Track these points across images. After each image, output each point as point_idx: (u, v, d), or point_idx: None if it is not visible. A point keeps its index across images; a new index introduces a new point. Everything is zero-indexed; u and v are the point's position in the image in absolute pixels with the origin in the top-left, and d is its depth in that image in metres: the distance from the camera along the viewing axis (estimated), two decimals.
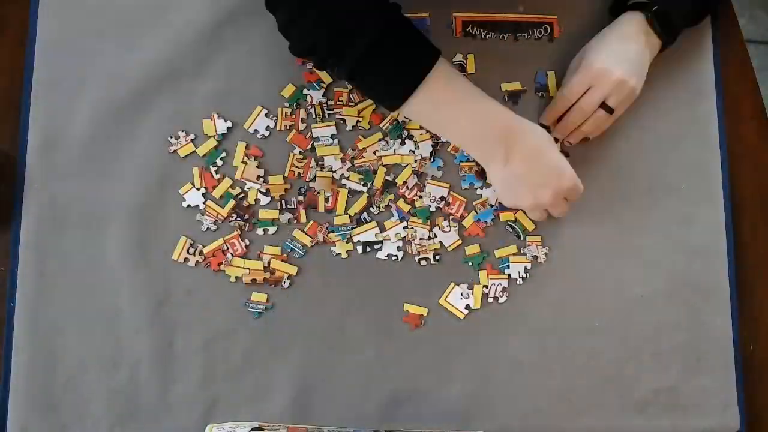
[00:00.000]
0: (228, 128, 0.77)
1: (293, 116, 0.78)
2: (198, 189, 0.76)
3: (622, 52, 0.73)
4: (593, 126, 0.75)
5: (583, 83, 0.74)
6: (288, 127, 0.78)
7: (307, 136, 0.77)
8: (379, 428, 0.72)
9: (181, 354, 0.73)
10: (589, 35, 0.77)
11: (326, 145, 0.77)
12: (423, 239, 0.76)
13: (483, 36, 0.81)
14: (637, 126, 0.80)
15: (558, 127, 0.77)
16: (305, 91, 0.78)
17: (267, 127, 0.77)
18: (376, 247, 0.76)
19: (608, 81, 0.72)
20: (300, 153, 0.77)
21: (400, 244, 0.76)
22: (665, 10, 0.73)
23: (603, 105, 0.74)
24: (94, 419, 0.72)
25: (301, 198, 0.76)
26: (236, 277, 0.74)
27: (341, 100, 0.78)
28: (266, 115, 0.77)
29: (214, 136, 0.77)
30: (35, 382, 0.72)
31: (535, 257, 0.77)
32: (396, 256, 0.76)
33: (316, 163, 0.77)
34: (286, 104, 0.78)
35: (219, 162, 0.76)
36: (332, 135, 0.77)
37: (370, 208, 0.77)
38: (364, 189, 0.77)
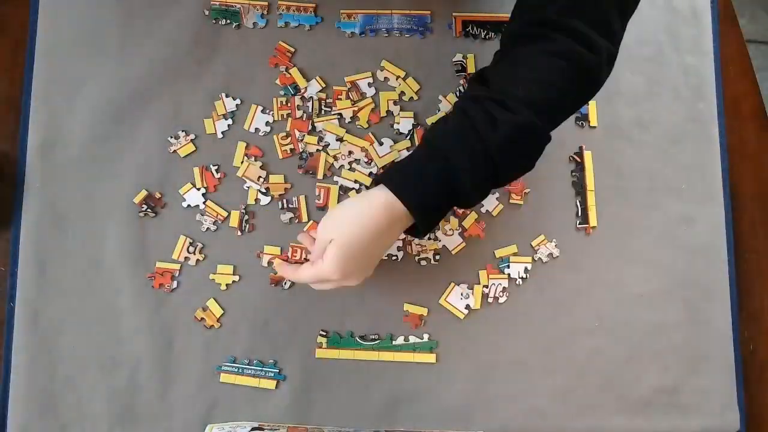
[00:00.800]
0: (232, 114, 0.77)
1: (288, 105, 0.78)
2: (198, 189, 0.76)
3: (364, 259, 0.62)
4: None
5: (322, 281, 0.64)
6: (285, 117, 0.78)
7: (303, 119, 0.78)
8: (379, 428, 0.72)
9: (181, 354, 0.73)
10: None
11: (328, 146, 0.78)
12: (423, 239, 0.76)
13: (483, 36, 0.81)
14: (637, 126, 0.80)
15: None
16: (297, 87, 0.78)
17: (267, 123, 0.77)
18: None
19: (337, 283, 0.63)
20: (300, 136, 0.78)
21: (399, 244, 0.76)
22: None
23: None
24: (93, 419, 0.72)
25: (301, 163, 0.77)
26: (227, 285, 0.75)
27: (340, 98, 0.78)
28: (262, 111, 0.77)
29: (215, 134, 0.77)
30: (35, 382, 0.72)
31: (544, 256, 0.77)
32: (396, 256, 0.76)
33: (320, 142, 0.77)
34: (281, 92, 0.78)
35: (219, 161, 0.76)
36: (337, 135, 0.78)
37: None
38: (356, 187, 0.77)
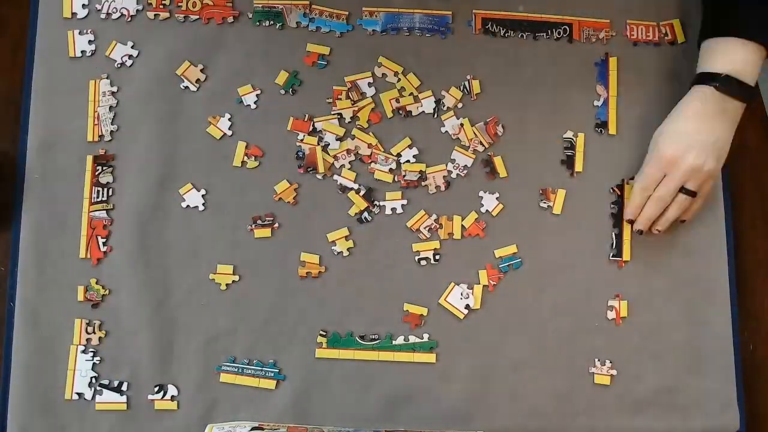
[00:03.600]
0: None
1: None
2: (198, 190, 0.76)
3: (693, 135, 0.71)
4: (678, 211, 0.74)
5: (657, 172, 0.73)
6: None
7: (305, 119, 0.78)
8: (379, 428, 0.72)
9: (181, 354, 0.73)
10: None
11: (328, 146, 0.78)
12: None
13: (503, 34, 0.81)
14: (637, 125, 0.80)
15: (640, 219, 0.75)
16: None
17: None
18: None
19: (681, 169, 0.71)
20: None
21: (404, 202, 0.77)
22: (734, 76, 0.70)
23: (683, 189, 0.72)
24: (93, 419, 0.72)
25: (299, 162, 0.77)
26: (227, 285, 0.75)
27: (340, 98, 0.78)
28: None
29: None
30: (35, 382, 0.72)
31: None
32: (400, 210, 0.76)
33: (320, 144, 0.78)
34: (282, 91, 0.78)
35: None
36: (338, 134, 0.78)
37: (372, 210, 0.77)
38: (355, 187, 0.77)
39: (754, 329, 0.79)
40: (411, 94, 0.79)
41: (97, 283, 0.74)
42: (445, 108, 0.79)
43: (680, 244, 0.79)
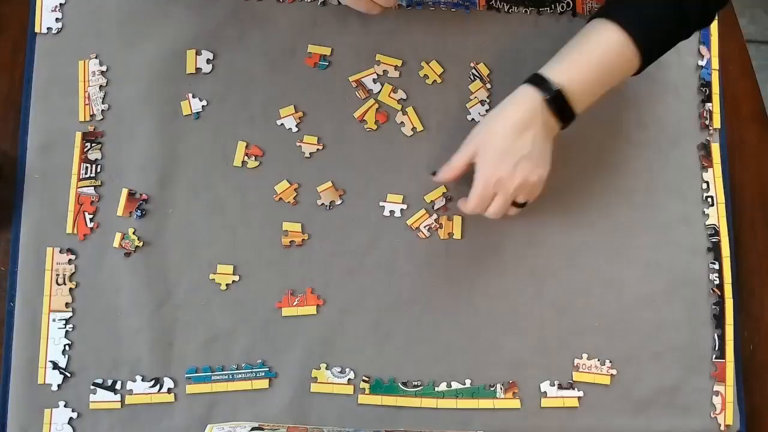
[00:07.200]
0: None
1: None
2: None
3: (517, 149, 0.66)
4: (514, 213, 0.72)
5: (488, 193, 0.68)
6: None
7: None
8: (379, 428, 0.72)
9: (181, 354, 0.73)
10: None
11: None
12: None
13: (507, 10, 0.81)
14: (637, 126, 0.80)
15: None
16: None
17: (207, 60, 0.77)
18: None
19: (511, 187, 0.67)
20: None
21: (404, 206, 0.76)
22: (565, 94, 0.66)
23: (514, 203, 0.70)
24: (92, 419, 0.72)
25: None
26: (227, 285, 0.75)
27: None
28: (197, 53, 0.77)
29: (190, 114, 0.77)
30: (35, 382, 0.72)
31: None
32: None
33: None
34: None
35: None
36: None
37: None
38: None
39: (754, 329, 0.79)
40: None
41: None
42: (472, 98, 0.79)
43: (680, 244, 0.79)
